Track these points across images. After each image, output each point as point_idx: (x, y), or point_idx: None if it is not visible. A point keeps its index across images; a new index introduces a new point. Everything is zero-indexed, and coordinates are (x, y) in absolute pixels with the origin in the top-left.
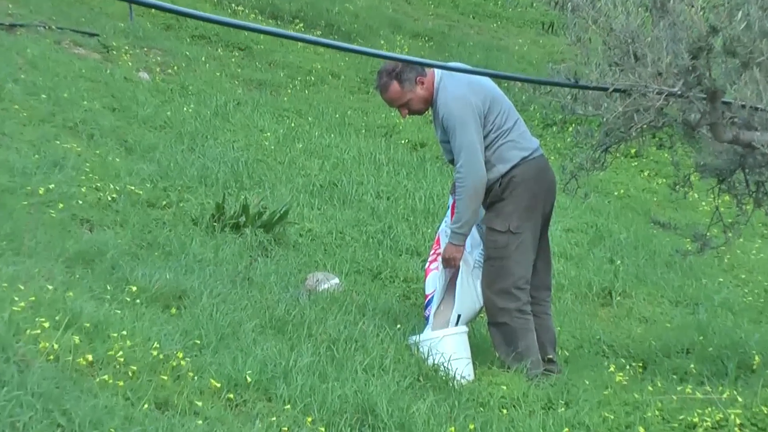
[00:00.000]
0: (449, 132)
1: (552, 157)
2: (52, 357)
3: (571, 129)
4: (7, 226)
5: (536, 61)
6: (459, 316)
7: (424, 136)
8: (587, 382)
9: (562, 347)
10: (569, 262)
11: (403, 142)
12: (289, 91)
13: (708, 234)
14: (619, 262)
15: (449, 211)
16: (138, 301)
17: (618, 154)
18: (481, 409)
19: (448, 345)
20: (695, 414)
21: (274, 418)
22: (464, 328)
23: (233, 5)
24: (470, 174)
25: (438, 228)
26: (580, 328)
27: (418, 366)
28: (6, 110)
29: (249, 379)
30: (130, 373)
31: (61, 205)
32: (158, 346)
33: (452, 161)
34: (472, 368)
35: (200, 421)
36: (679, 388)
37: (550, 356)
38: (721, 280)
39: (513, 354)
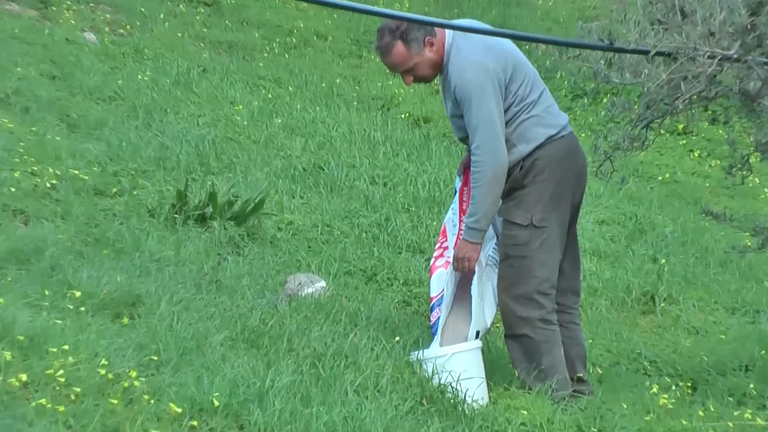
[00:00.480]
0: (463, 105)
1: (582, 135)
2: None
3: (605, 101)
4: None
5: (563, 18)
6: (478, 332)
7: (429, 110)
8: (625, 406)
9: (595, 363)
10: (603, 261)
11: (403, 116)
12: (266, 55)
13: None
14: (663, 260)
15: (456, 197)
16: (83, 308)
17: (662, 131)
18: None
19: (458, 363)
20: None
21: None
22: (477, 343)
23: None
24: (489, 156)
25: (444, 217)
26: (616, 340)
27: (420, 387)
28: None
29: (216, 403)
30: (73, 396)
31: None
32: (107, 363)
33: (464, 139)
34: (486, 389)
35: None
36: (736, 413)
37: (580, 374)
38: None
39: (535, 372)
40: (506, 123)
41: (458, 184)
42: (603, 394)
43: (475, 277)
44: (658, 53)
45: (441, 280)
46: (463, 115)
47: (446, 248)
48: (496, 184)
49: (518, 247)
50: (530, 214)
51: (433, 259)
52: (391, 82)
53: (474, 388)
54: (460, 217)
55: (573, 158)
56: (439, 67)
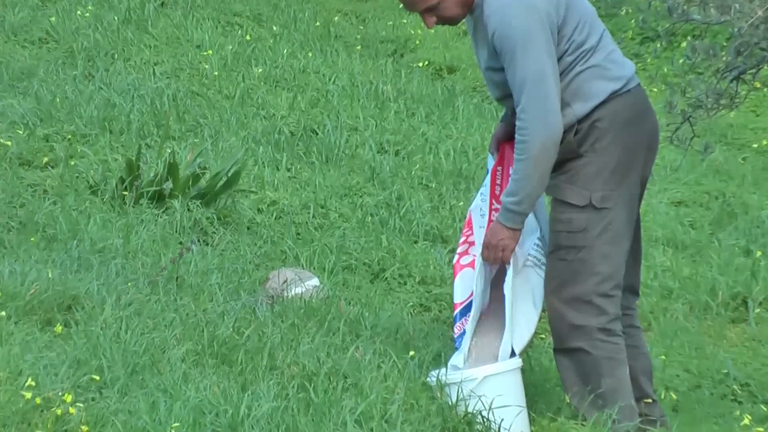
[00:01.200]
0: (504, 56)
1: (654, 90)
2: None
3: (683, 45)
4: None
5: None
6: (513, 348)
7: (454, 56)
8: None
9: (669, 386)
10: (681, 253)
11: (420, 64)
12: None
13: None
14: (759, 253)
15: (488, 178)
16: (2, 313)
17: (757, 84)
18: None
19: (491, 388)
20: None
21: None
22: (516, 363)
23: None
24: (538, 122)
25: (471, 202)
26: (696, 356)
27: (441, 416)
28: None
29: None
30: None
31: None
32: (34, 384)
33: (503, 99)
34: (527, 420)
35: None
36: None
37: (648, 398)
38: None
39: (591, 397)
40: (561, 78)
41: (491, 162)
42: (680, 425)
43: (509, 276)
44: None
45: (468, 283)
46: (503, 68)
47: (472, 243)
48: (545, 157)
49: (573, 235)
50: (588, 192)
51: (457, 256)
52: (405, 20)
53: (511, 419)
54: (491, 204)
55: (642, 119)
56: (469, 7)
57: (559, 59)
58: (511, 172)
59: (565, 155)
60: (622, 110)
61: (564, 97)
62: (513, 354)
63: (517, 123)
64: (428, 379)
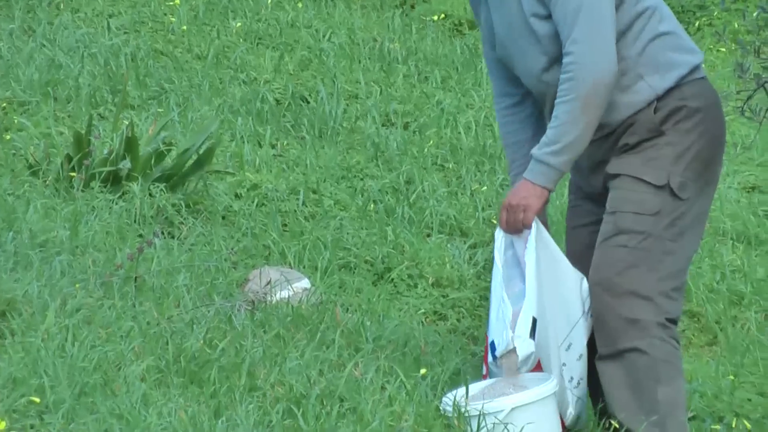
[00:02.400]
0: None
1: (721, 50)
2: None
3: None
4: None
5: None
6: (534, 320)
7: None
8: None
9: (739, 414)
10: (754, 250)
11: (435, 18)
12: None
13: None
14: None
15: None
16: None
17: None
18: None
19: (520, 418)
20: None
21: None
22: (552, 387)
23: None
24: (592, 55)
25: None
26: None
27: None
28: None
29: None
30: None
31: None
32: None
33: (548, 69)
34: None
35: None
36: None
37: None
38: None
39: (647, 411)
40: (626, 38)
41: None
42: None
43: (532, 242)
44: None
45: (497, 301)
46: (550, 15)
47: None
48: (595, 101)
49: (641, 218)
50: (667, 173)
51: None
52: None
53: None
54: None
55: (721, 110)
56: None
57: (624, 20)
58: (551, 120)
59: (643, 134)
60: (710, 92)
61: (635, 67)
62: (532, 336)
63: (565, 59)
64: (442, 404)
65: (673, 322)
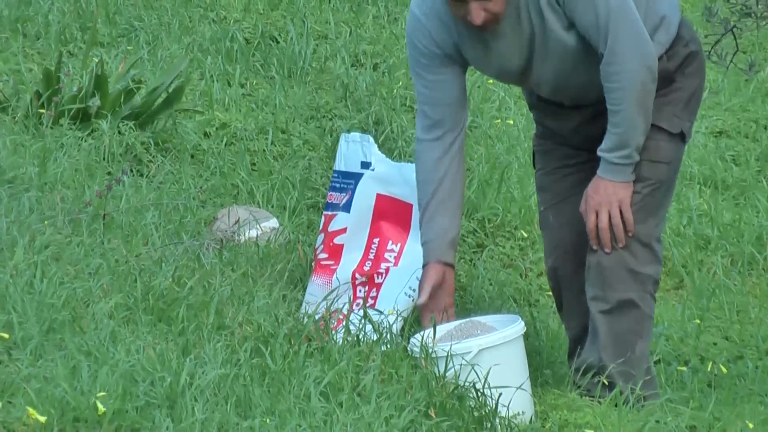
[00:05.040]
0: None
1: None
2: None
3: None
4: None
5: None
6: None
7: None
8: (751, 426)
9: (705, 357)
10: (721, 195)
11: None
12: None
13: None
14: None
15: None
16: None
17: None
18: None
19: (488, 360)
20: None
21: None
22: (519, 329)
23: None
24: (633, 57)
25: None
26: (739, 321)
27: (426, 389)
28: None
29: (102, 409)
30: None
31: None
32: None
33: (585, 83)
34: (530, 396)
35: None
36: None
37: None
38: None
39: (625, 359)
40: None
41: None
42: (717, 404)
43: None
44: None
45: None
46: (573, 18)
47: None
48: (647, 95)
49: (655, 165)
50: (680, 121)
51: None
52: None
53: (511, 394)
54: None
55: None
56: None
57: None
58: (608, 125)
59: (657, 85)
60: (694, 31)
61: (647, 19)
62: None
63: (607, 69)
64: (410, 344)
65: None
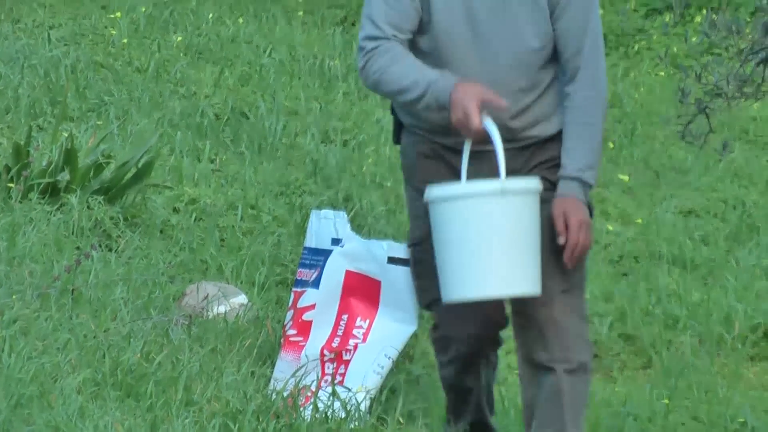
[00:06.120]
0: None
1: (660, 74)
2: None
3: (698, 19)
4: None
5: None
6: None
7: None
8: None
9: None
10: (689, 274)
11: None
12: None
13: None
14: None
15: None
16: None
17: None
18: None
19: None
20: None
21: None
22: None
23: None
24: (603, 78)
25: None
26: (707, 401)
27: None
28: None
29: None
30: None
31: None
32: None
33: (541, 69)
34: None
35: None
36: None
37: None
38: None
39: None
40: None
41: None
42: None
43: None
44: None
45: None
46: (560, 13)
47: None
48: (605, 117)
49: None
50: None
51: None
52: None
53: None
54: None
55: None
56: None
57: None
58: (572, 144)
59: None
60: None
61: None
62: None
63: (582, 80)
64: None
65: None
